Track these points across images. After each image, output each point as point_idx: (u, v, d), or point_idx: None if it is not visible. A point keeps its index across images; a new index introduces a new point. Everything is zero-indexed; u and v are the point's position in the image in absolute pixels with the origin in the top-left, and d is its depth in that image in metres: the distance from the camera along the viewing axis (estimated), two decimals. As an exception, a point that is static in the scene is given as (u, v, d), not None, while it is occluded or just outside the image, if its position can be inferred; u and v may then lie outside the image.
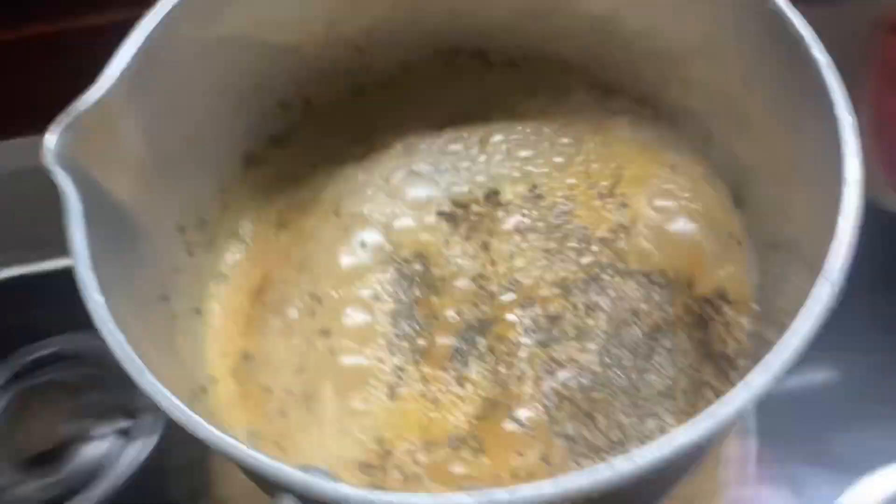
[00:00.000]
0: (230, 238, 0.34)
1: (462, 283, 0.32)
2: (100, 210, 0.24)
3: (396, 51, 0.36)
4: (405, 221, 0.33)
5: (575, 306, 0.30)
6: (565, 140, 0.35)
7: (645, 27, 0.32)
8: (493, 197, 0.34)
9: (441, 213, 0.33)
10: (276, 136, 0.35)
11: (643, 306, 0.30)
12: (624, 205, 0.32)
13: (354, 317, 0.31)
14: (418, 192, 0.34)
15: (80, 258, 0.23)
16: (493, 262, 0.32)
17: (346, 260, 0.32)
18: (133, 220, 0.27)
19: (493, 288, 0.31)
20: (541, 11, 0.33)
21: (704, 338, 0.29)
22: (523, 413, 0.28)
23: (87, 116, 0.25)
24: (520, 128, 0.35)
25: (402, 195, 0.34)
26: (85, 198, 0.24)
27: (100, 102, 0.25)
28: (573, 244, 0.32)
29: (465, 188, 0.34)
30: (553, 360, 0.29)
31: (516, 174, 0.34)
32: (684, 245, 0.31)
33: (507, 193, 0.33)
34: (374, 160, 0.35)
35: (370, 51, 0.35)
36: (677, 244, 0.31)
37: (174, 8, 0.27)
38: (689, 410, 0.28)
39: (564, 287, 0.31)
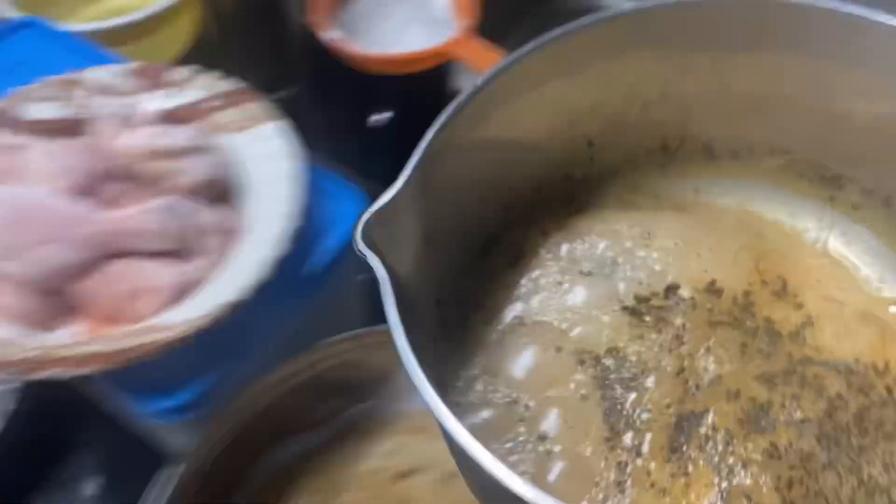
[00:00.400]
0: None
1: (663, 377, 0.33)
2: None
3: (622, 144, 0.39)
4: (590, 320, 0.35)
5: (783, 395, 0.32)
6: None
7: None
8: (673, 291, 0.35)
9: (625, 308, 0.35)
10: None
11: (846, 393, 0.32)
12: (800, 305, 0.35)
13: (567, 419, 0.32)
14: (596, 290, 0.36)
15: (397, 327, 0.27)
16: (690, 356, 0.33)
17: (540, 362, 0.34)
18: (409, 296, 0.32)
19: (696, 381, 0.33)
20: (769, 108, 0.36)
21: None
22: (759, 499, 0.30)
23: (385, 209, 0.30)
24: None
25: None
26: (389, 275, 0.28)
27: (394, 197, 0.30)
28: (764, 338, 0.34)
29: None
30: (774, 446, 0.31)
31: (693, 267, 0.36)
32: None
33: (686, 288, 0.35)
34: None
35: (600, 143, 0.39)
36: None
37: (453, 115, 0.32)
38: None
39: (766, 380, 0.33)
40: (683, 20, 0.36)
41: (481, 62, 0.56)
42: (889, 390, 0.33)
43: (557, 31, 0.35)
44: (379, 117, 0.66)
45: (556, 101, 0.37)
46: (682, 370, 0.33)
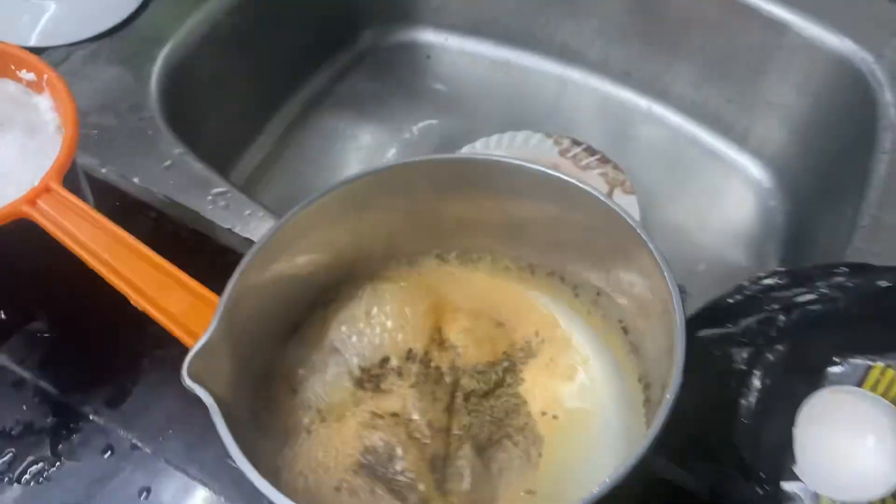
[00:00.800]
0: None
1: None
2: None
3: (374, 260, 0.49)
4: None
5: (457, 408, 0.45)
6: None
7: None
8: (385, 362, 0.45)
9: (354, 379, 0.44)
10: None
11: (476, 385, 0.45)
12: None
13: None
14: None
15: (228, 440, 0.35)
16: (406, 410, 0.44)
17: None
18: (231, 413, 0.37)
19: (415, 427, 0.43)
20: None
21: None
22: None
23: (204, 348, 0.38)
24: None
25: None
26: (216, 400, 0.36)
27: (209, 338, 0.38)
28: (439, 380, 0.45)
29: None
30: (458, 428, 0.44)
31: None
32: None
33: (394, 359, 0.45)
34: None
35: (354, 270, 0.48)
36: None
37: (245, 269, 0.40)
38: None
39: (447, 408, 0.44)
40: (414, 174, 0.46)
41: (58, 227, 0.43)
42: (498, 375, 0.46)
43: (315, 195, 0.43)
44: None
45: (321, 243, 0.45)
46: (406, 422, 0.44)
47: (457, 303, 0.49)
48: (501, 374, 0.47)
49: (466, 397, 0.45)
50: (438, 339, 0.47)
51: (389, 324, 0.46)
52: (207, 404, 0.36)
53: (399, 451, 0.42)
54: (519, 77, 0.83)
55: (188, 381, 0.36)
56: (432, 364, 0.46)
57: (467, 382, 0.46)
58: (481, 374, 0.46)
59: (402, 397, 0.44)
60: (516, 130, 0.75)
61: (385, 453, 0.42)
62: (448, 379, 0.46)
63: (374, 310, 0.46)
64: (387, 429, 0.43)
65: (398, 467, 0.41)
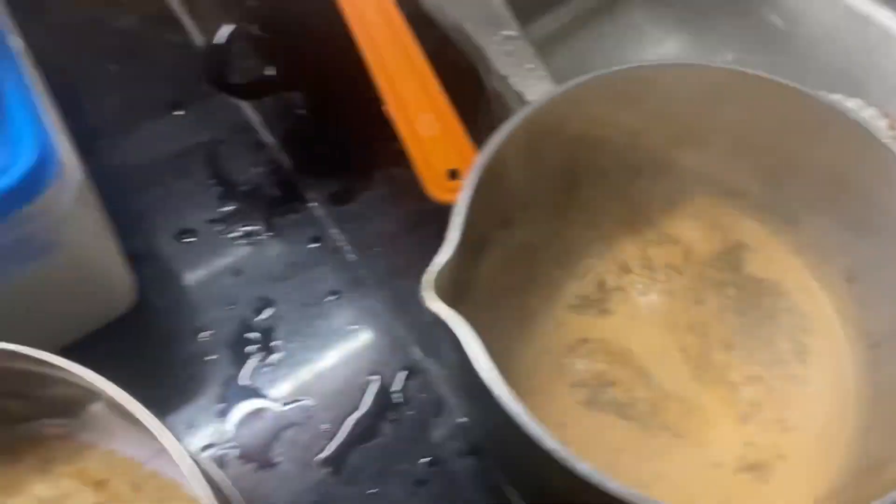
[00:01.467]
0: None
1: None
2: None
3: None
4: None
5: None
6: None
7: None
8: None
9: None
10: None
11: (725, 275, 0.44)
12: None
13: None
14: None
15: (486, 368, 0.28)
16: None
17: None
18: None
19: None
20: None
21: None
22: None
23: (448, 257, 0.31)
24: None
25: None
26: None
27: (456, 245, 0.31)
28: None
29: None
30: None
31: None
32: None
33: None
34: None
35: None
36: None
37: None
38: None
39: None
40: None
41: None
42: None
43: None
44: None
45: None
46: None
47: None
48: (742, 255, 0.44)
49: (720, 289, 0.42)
50: (656, 238, 0.44)
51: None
52: (461, 337, 0.28)
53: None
54: (874, 38, 0.72)
55: (435, 305, 0.29)
56: (656, 265, 0.43)
57: (709, 272, 0.43)
58: (722, 260, 0.44)
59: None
60: (847, 96, 0.64)
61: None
62: (688, 272, 0.43)
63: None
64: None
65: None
